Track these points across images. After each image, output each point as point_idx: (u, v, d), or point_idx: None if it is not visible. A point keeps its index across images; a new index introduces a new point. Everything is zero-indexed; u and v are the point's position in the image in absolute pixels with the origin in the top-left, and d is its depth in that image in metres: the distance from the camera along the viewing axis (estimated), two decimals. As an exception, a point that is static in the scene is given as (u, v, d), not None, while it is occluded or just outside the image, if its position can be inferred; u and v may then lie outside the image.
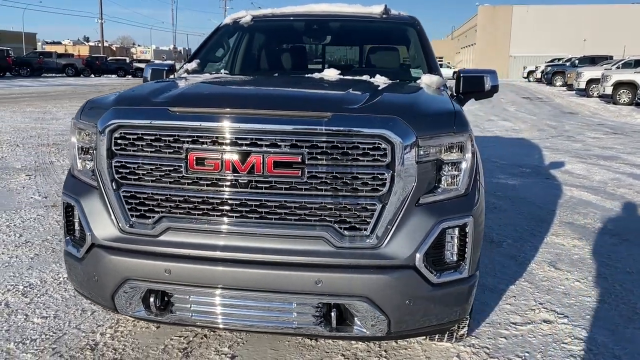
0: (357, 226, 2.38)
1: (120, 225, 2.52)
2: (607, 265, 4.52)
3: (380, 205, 2.36)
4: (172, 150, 2.41)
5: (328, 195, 2.36)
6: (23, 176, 7.37)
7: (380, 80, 3.31)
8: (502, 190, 7.31)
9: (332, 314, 2.41)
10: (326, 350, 3.08)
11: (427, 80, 3.38)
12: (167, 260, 2.44)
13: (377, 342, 3.16)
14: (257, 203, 2.39)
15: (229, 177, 2.37)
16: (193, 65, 3.90)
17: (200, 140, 2.37)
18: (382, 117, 2.36)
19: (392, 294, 2.38)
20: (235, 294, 2.42)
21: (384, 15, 4.19)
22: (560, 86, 35.13)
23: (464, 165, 2.54)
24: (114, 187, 2.51)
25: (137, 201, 2.49)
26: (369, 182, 2.34)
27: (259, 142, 2.33)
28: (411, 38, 4.05)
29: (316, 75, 3.45)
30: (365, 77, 3.40)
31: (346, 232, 2.38)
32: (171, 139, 2.40)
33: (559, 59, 43.81)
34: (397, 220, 2.39)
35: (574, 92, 28.68)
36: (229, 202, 2.40)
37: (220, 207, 2.42)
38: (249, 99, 2.76)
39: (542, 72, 41.01)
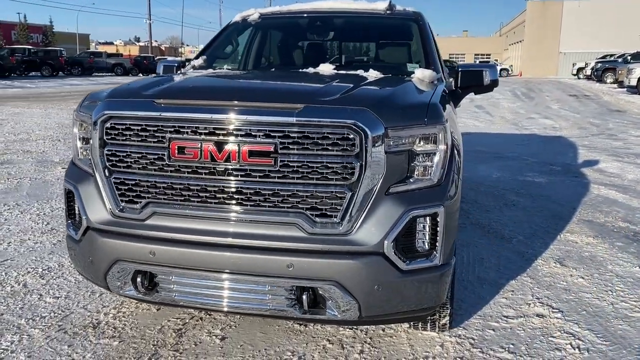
0: (328, 213, 2.48)
1: (111, 209, 2.71)
2: (617, 264, 4.44)
3: (350, 194, 2.45)
4: (156, 140, 2.57)
5: (300, 183, 2.46)
6: (59, 169, 7.78)
7: (372, 75, 3.39)
8: (525, 188, 7.21)
9: (304, 297, 2.52)
10: (313, 336, 3.19)
11: (419, 75, 3.43)
12: (152, 243, 2.61)
13: (362, 329, 3.25)
14: (234, 190, 2.52)
15: (207, 165, 2.51)
16: (199, 61, 4.08)
17: (181, 130, 2.52)
18: (351, 108, 2.45)
19: (360, 279, 2.47)
20: (213, 275, 2.57)
21: (387, 11, 4.26)
22: (610, 83, 33.90)
23: (437, 156, 2.60)
24: (106, 175, 2.69)
25: (126, 187, 2.67)
26: (339, 171, 2.44)
27: (234, 132, 2.46)
28: (413, 33, 4.09)
29: (310, 70, 3.56)
30: (360, 72, 3.48)
31: (317, 219, 2.49)
32: (155, 129, 2.56)
33: (611, 55, 42.24)
34: (367, 208, 2.47)
35: (625, 89, 27.64)
36: (208, 189, 2.55)
37: (200, 194, 2.56)
38: (228, 91, 2.90)
39: (592, 68, 39.62)
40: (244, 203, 2.53)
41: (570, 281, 4.06)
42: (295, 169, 2.45)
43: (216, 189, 2.54)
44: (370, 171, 2.43)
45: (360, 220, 2.48)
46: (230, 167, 2.49)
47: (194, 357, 2.96)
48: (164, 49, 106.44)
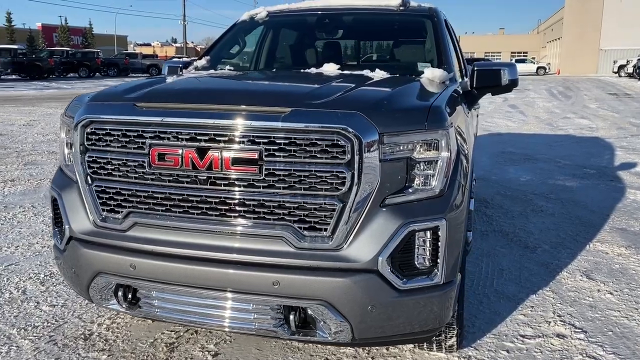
0: (317, 226, 2.28)
1: (93, 219, 2.56)
2: (651, 277, 4.10)
3: (341, 206, 2.24)
4: (136, 146, 2.41)
5: (287, 193, 2.27)
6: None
7: (377, 75, 3.17)
8: (555, 192, 6.85)
9: (291, 317, 2.32)
10: (311, 354, 3.00)
11: (429, 75, 3.19)
12: (132, 256, 2.46)
13: (365, 348, 3.03)
14: (217, 200, 2.34)
15: (188, 174, 2.34)
16: (202, 62, 3.92)
17: (161, 135, 2.36)
18: (342, 112, 2.24)
19: (353, 299, 2.26)
20: (195, 292, 2.39)
21: (401, 8, 4.02)
22: (654, 81, 32.60)
23: (439, 164, 2.37)
24: (88, 182, 2.55)
25: (108, 196, 2.52)
26: (328, 181, 2.23)
27: (216, 138, 2.28)
28: (426, 31, 3.85)
29: (313, 70, 3.36)
30: (365, 72, 3.27)
31: (306, 233, 2.29)
32: (135, 134, 2.41)
33: (655, 52, 40.66)
34: (359, 222, 2.26)
35: (668, 87, 26.49)
36: (190, 198, 2.38)
37: (181, 204, 2.40)
38: (212, 94, 2.72)
39: (634, 66, 38.20)
40: (227, 214, 2.34)
41: (597, 297, 3.75)
42: (281, 178, 2.26)
43: (198, 199, 2.36)
44: (362, 181, 2.22)
45: (353, 235, 2.27)
46: (212, 175, 2.31)
47: (183, 374, 2.81)
48: (199, 49, 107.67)
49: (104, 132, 2.47)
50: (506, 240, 4.97)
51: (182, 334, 3.19)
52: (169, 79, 3.07)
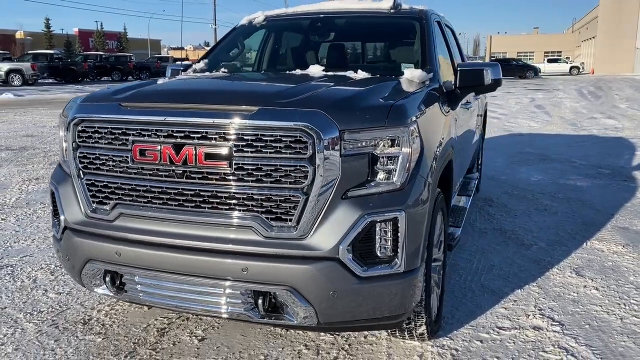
0: (283, 217, 2.44)
1: (85, 210, 2.79)
2: (641, 274, 4.13)
3: (304, 197, 2.40)
4: (121, 142, 2.62)
5: (255, 186, 2.44)
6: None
7: (359, 76, 3.32)
8: (564, 191, 6.85)
9: (260, 301, 2.49)
10: (292, 340, 3.16)
11: (408, 75, 3.33)
12: (118, 244, 2.67)
13: (343, 335, 3.18)
14: (192, 192, 2.53)
15: (166, 168, 2.54)
16: (200, 65, 4.13)
17: (142, 132, 2.56)
18: (305, 110, 2.41)
19: (315, 285, 2.42)
20: (173, 277, 2.59)
21: (391, 10, 4.15)
22: (690, 80, 31.64)
23: (400, 160, 2.51)
24: (80, 176, 2.78)
25: (97, 189, 2.74)
26: (292, 175, 2.40)
27: (191, 135, 2.47)
28: (414, 32, 3.96)
29: (298, 71, 3.53)
30: (348, 73, 3.42)
31: (273, 223, 2.45)
32: (120, 131, 2.62)
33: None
34: (322, 213, 2.42)
35: None
36: (168, 191, 2.57)
37: (161, 196, 2.59)
38: (188, 94, 2.91)
39: (671, 65, 37.12)
40: (202, 206, 2.53)
41: (582, 292, 3.81)
42: (250, 172, 2.43)
43: (175, 191, 2.56)
44: (323, 175, 2.38)
45: (316, 225, 2.42)
46: (187, 170, 2.51)
47: (169, 356, 3.00)
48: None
49: (93, 129, 2.69)
50: (503, 237, 5.03)
51: (174, 320, 3.40)
52: (160, 81, 3.28)
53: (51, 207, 3.11)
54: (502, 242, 4.92)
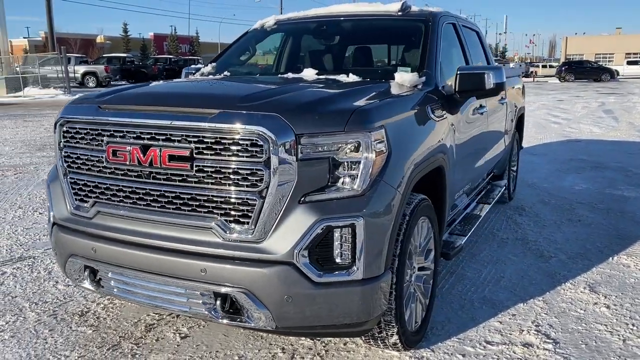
0: (241, 220, 2.46)
1: (69, 207, 2.92)
2: (664, 293, 3.84)
3: (261, 201, 2.41)
4: (97, 143, 2.73)
5: (214, 188, 2.47)
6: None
7: (348, 79, 3.30)
8: (606, 202, 6.46)
9: (218, 302, 2.52)
10: (271, 343, 3.17)
11: (398, 79, 3.26)
12: (94, 240, 2.78)
13: (323, 342, 3.15)
14: (158, 193, 2.59)
15: (135, 169, 2.62)
16: (208, 68, 4.23)
17: (114, 133, 2.65)
18: (262, 114, 2.41)
19: (270, 289, 2.42)
20: (140, 275, 2.66)
21: (399, 13, 4.08)
22: None
23: (361, 165, 2.46)
24: (66, 174, 2.91)
25: (79, 187, 2.87)
26: (249, 178, 2.41)
27: (156, 137, 2.54)
28: (418, 35, 3.86)
29: (289, 75, 3.54)
30: (340, 77, 3.39)
31: (231, 225, 2.47)
32: (97, 132, 2.72)
33: None
34: (279, 217, 2.41)
35: None
36: (137, 191, 2.65)
37: (131, 196, 2.67)
38: (159, 97, 2.96)
39: None
40: (166, 206, 2.59)
41: (590, 309, 3.59)
42: (209, 174, 2.46)
43: (144, 191, 2.63)
44: (279, 179, 2.37)
45: (272, 228, 2.42)
46: (153, 171, 2.57)
47: (149, 351, 3.09)
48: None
49: (75, 130, 2.82)
50: (523, 248, 4.82)
51: (164, 317, 3.49)
52: (152, 84, 3.38)
53: (48, 204, 3.27)
54: (520, 253, 4.71)
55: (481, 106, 4.26)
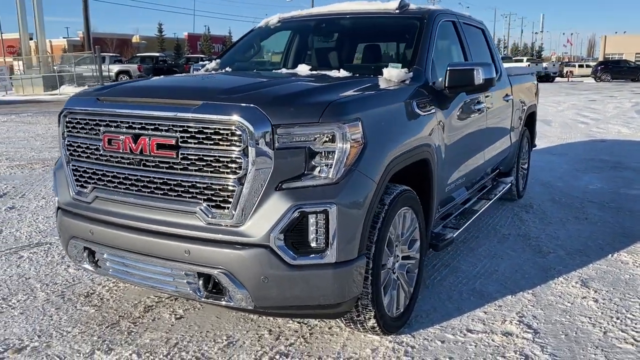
0: (222, 205, 2.62)
1: (72, 193, 3.13)
2: (656, 289, 3.84)
3: (240, 187, 2.56)
4: (95, 132, 2.93)
5: (198, 175, 2.64)
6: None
7: (338, 75, 3.43)
8: (618, 201, 6.42)
9: (201, 282, 2.69)
10: (259, 325, 3.32)
11: (386, 74, 3.38)
12: (92, 223, 2.99)
13: (309, 324, 3.29)
14: (148, 179, 2.78)
15: (127, 156, 2.81)
16: (213, 64, 4.41)
17: (110, 124, 2.85)
18: (241, 105, 2.57)
19: (248, 270, 2.58)
20: (132, 256, 2.86)
21: (396, 11, 4.18)
22: None
23: (336, 155, 2.60)
24: (68, 162, 3.13)
25: (79, 174, 3.08)
26: (229, 165, 2.57)
27: (146, 126, 2.72)
28: (413, 32, 3.95)
29: (283, 70, 3.69)
30: (331, 72, 3.53)
31: (213, 210, 2.64)
32: (94, 123, 2.93)
33: None
34: (256, 202, 2.57)
35: None
36: (130, 177, 2.84)
37: (124, 182, 2.87)
38: (152, 90, 3.14)
39: None
40: (155, 192, 2.77)
41: (577, 303, 3.63)
42: (193, 161, 2.63)
43: (135, 177, 2.82)
44: (257, 166, 2.52)
45: (250, 213, 2.58)
46: (144, 158, 2.76)
47: (144, 330, 3.28)
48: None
49: (76, 121, 3.03)
50: (523, 244, 4.86)
51: (163, 299, 3.69)
52: (152, 79, 3.59)
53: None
54: (520, 248, 4.75)
55: (479, 102, 4.33)
